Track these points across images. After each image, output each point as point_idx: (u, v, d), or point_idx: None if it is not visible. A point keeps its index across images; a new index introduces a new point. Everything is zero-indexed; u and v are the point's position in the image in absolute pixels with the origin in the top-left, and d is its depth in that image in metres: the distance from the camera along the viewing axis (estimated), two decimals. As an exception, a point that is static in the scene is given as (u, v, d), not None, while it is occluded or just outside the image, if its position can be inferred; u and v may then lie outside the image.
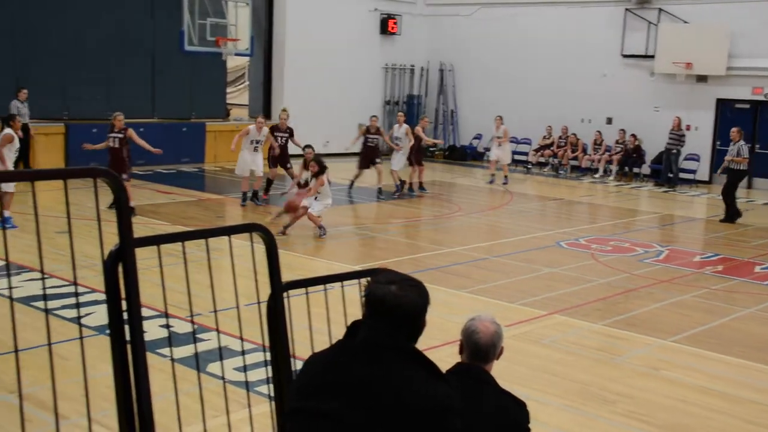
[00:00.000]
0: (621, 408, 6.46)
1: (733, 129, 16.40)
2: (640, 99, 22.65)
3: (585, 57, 23.40)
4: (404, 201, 17.07)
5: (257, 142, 15.26)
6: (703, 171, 21.67)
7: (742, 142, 15.89)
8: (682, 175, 21.43)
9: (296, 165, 15.21)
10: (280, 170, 16.14)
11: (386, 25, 25.53)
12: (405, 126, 17.78)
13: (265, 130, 15.43)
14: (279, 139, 15.98)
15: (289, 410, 2.57)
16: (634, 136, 22.20)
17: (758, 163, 20.94)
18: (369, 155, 17.40)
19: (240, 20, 20.14)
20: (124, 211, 2.96)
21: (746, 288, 10.77)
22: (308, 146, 13.75)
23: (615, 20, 22.90)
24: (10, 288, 2.95)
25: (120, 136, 13.79)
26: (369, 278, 2.63)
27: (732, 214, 15.84)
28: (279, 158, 15.86)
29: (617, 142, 22.57)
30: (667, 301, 9.88)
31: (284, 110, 16.81)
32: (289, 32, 23.52)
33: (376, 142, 17.50)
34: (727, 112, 21.66)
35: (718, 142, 21.77)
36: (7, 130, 12.56)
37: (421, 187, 17.96)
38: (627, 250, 12.88)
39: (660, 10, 22.15)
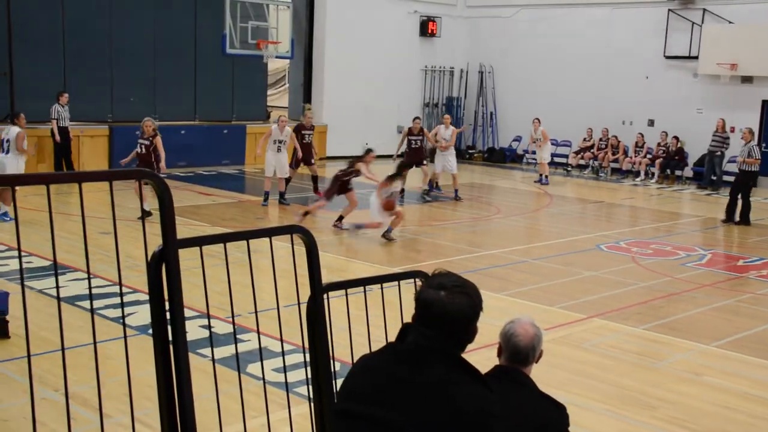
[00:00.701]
0: (662, 413, 6.38)
1: (744, 129, 16.12)
2: (682, 101, 22.34)
3: (627, 58, 23.15)
4: (444, 203, 17.04)
5: (280, 141, 15.34)
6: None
7: (753, 143, 15.59)
8: (725, 178, 21.06)
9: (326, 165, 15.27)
10: (302, 169, 16.36)
11: (426, 27, 25.52)
12: (452, 128, 17.78)
13: (288, 130, 15.48)
14: (306, 136, 16.20)
15: (336, 411, 2.60)
16: (676, 138, 21.90)
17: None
18: (414, 156, 17.42)
19: (281, 23, 20.32)
20: (167, 212, 3.00)
21: (792, 293, 10.57)
22: (371, 150, 13.78)
23: (658, 21, 22.62)
24: (57, 288, 3.01)
25: (147, 142, 13.70)
26: (422, 279, 2.65)
27: (742, 213, 15.48)
28: (302, 157, 16.09)
29: (659, 144, 22.29)
30: (709, 306, 9.74)
31: (309, 108, 16.99)
32: (329, 35, 23.63)
33: (420, 143, 17.44)
34: (773, 114, 21.29)
35: (764, 144, 21.39)
36: (18, 129, 13.25)
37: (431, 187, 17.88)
38: (668, 253, 12.72)
39: (704, 10, 21.83)
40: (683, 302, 9.86)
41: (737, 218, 15.56)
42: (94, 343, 3.02)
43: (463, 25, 26.62)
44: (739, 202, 15.61)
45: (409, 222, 14.62)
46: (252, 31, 19.40)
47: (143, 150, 13.77)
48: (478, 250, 12.44)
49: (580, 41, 24.01)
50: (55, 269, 2.93)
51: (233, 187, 18.03)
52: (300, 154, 15.89)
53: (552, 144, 22.53)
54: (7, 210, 13.04)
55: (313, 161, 16.34)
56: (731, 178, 20.88)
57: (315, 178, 16.59)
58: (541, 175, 20.76)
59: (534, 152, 22.24)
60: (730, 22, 21.41)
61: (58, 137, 17.17)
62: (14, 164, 13.11)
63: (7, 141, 13.17)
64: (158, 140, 13.69)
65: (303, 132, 16.19)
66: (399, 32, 25.01)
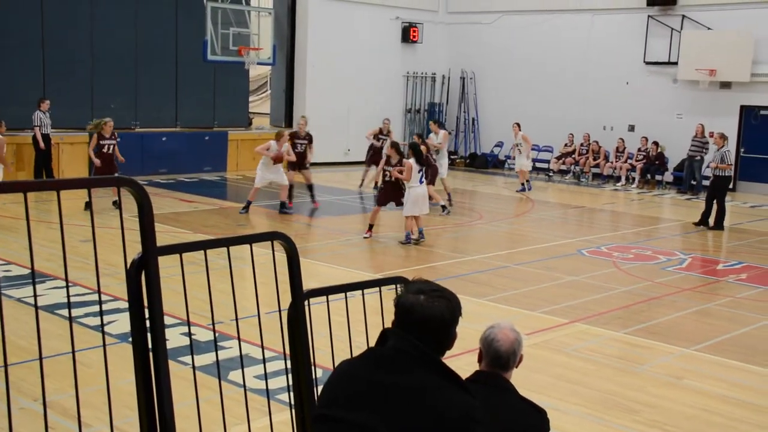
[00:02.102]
0: (643, 417, 6.41)
1: (716, 134, 16.16)
2: (662, 106, 22.52)
3: (607, 64, 23.32)
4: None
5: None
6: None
7: (726, 148, 15.62)
8: (705, 183, 21.20)
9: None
10: (297, 176, 16.24)
11: (408, 34, 25.58)
12: (442, 132, 17.53)
13: (287, 146, 15.34)
14: (299, 146, 16.10)
15: (316, 416, 2.59)
16: (656, 143, 22.07)
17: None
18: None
19: (262, 29, 20.29)
20: (146, 219, 2.99)
21: (771, 296, 10.66)
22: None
23: (638, 27, 22.80)
24: (35, 296, 3.00)
25: (113, 142, 14.69)
26: (401, 285, 2.65)
27: (717, 218, 15.54)
28: (297, 163, 16.01)
29: (639, 149, 22.44)
30: (689, 310, 9.81)
31: (303, 117, 16.94)
32: (311, 41, 23.64)
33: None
34: (751, 119, 21.50)
35: (743, 149, 21.62)
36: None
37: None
38: (649, 258, 12.79)
39: (683, 16, 22.02)
40: (664, 306, 9.92)
41: (711, 223, 15.64)
42: (73, 351, 3.00)
43: (444, 32, 26.70)
44: (716, 207, 15.67)
45: (390, 228, 14.62)
46: (233, 37, 19.36)
47: (110, 150, 14.64)
48: (460, 256, 12.47)
49: (561, 47, 24.15)
50: (33, 277, 2.90)
51: (215, 193, 17.97)
52: (293, 158, 15.88)
53: (534, 149, 22.58)
54: None
55: (307, 166, 16.26)
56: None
57: (310, 187, 16.41)
58: (522, 183, 20.21)
59: (514, 158, 21.52)
60: (708, 28, 21.61)
61: (42, 144, 17.02)
62: None
63: None
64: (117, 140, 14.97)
65: (296, 141, 16.09)
66: (381, 38, 25.05)
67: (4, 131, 13.57)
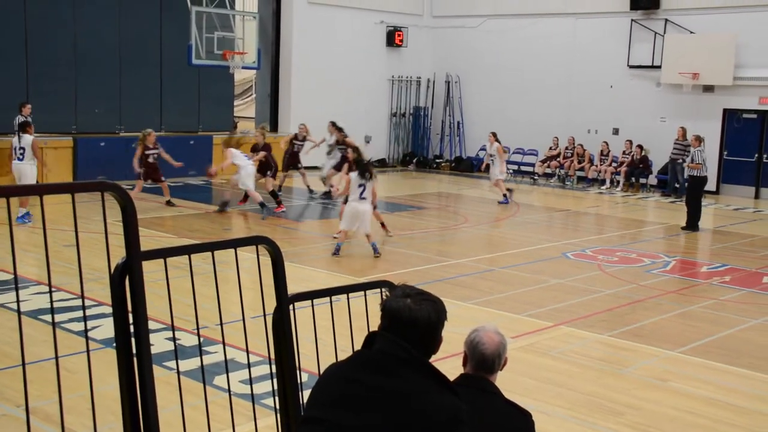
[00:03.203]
0: (628, 419, 6.44)
1: (692, 136, 16.40)
2: (646, 109, 22.65)
3: (591, 68, 23.43)
4: (408, 212, 17.07)
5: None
6: (709, 181, 21.53)
7: (700, 148, 15.79)
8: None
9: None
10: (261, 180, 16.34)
11: (392, 38, 25.63)
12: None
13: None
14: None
15: (304, 418, 2.60)
16: (640, 146, 22.17)
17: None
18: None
19: (247, 33, 20.25)
20: (130, 223, 2.98)
21: (754, 299, 10.73)
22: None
23: (621, 31, 22.93)
24: (18, 301, 2.98)
25: (156, 152, 15.63)
26: (387, 290, 2.67)
27: (693, 222, 15.78)
28: (262, 169, 16.34)
29: (624, 152, 22.55)
30: (674, 312, 9.86)
31: (263, 127, 17.21)
32: (296, 45, 23.63)
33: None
34: (734, 122, 21.65)
35: (725, 152, 21.76)
36: (30, 137, 13.97)
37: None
38: (634, 260, 12.85)
39: (666, 20, 22.16)
40: (648, 309, 9.97)
41: (684, 224, 15.85)
42: (56, 357, 2.99)
43: (429, 36, 26.76)
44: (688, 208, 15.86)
45: (375, 232, 14.61)
46: (218, 41, 19.31)
47: (154, 159, 15.65)
48: (445, 260, 12.48)
49: (545, 51, 24.25)
50: (16, 282, 2.89)
51: (200, 198, 17.91)
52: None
53: (518, 153, 22.60)
54: (28, 211, 13.64)
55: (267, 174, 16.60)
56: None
57: (273, 193, 16.34)
58: (504, 194, 19.03)
59: (487, 165, 20.16)
60: (691, 32, 21.75)
61: None
62: (31, 170, 13.87)
63: (21, 149, 13.80)
64: (161, 148, 16.01)
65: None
66: (366, 42, 25.07)
67: (32, 132, 14.16)
